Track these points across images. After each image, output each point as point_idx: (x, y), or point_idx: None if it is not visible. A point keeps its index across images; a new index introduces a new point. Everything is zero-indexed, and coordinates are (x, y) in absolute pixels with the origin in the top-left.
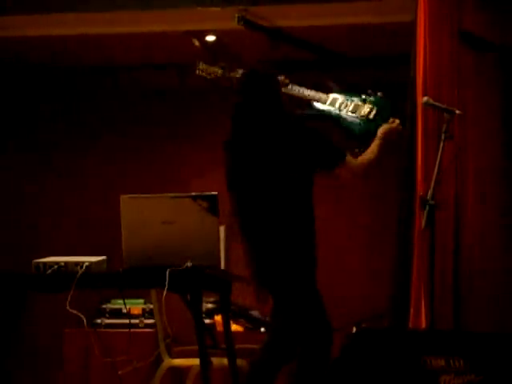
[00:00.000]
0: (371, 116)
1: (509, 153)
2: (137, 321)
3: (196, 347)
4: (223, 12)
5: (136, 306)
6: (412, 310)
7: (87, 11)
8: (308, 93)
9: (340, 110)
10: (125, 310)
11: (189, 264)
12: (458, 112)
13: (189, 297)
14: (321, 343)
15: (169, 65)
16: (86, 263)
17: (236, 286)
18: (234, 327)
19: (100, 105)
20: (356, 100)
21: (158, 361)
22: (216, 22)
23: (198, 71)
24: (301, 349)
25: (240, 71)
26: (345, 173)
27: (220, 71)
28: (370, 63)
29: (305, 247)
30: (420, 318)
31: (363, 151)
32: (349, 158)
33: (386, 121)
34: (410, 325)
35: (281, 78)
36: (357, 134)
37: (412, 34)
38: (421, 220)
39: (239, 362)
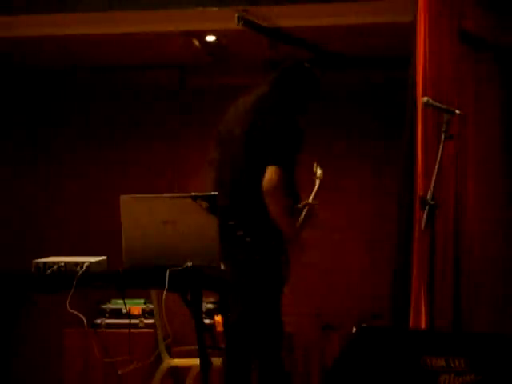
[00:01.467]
0: None
1: (509, 153)
2: (137, 321)
3: (196, 347)
4: (223, 12)
5: (136, 306)
6: (412, 310)
7: (86, 11)
8: None
9: None
10: (125, 310)
11: (189, 264)
12: (457, 112)
13: (189, 297)
14: (273, 343)
15: (169, 65)
16: (86, 263)
17: None
18: None
19: (100, 105)
20: None
21: (158, 361)
22: (216, 23)
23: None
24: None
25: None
26: (267, 177)
27: None
28: (369, 63)
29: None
30: (420, 317)
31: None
32: (277, 170)
33: None
34: (410, 325)
35: None
36: None
37: (412, 34)
38: (421, 220)
39: None
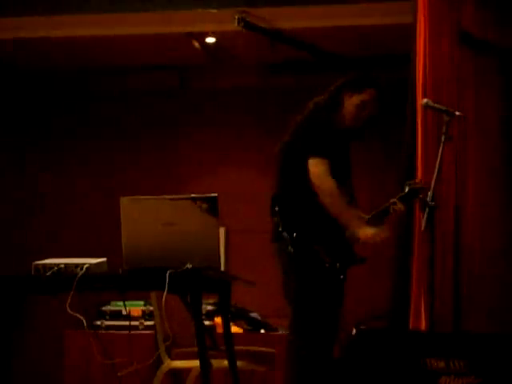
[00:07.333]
0: None
1: (509, 153)
2: (137, 323)
3: (196, 349)
4: (223, 14)
5: (136, 307)
6: (412, 311)
7: (87, 13)
8: None
9: None
10: (125, 312)
11: (189, 265)
12: (457, 114)
13: (189, 298)
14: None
15: (169, 66)
16: (86, 265)
17: (236, 287)
18: (234, 329)
19: (100, 105)
20: None
21: (158, 362)
22: (216, 24)
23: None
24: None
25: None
26: (311, 169)
27: None
28: (369, 64)
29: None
30: (420, 319)
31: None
32: (318, 160)
33: None
34: (410, 326)
35: None
36: None
37: (412, 35)
38: (421, 221)
39: (239, 363)
